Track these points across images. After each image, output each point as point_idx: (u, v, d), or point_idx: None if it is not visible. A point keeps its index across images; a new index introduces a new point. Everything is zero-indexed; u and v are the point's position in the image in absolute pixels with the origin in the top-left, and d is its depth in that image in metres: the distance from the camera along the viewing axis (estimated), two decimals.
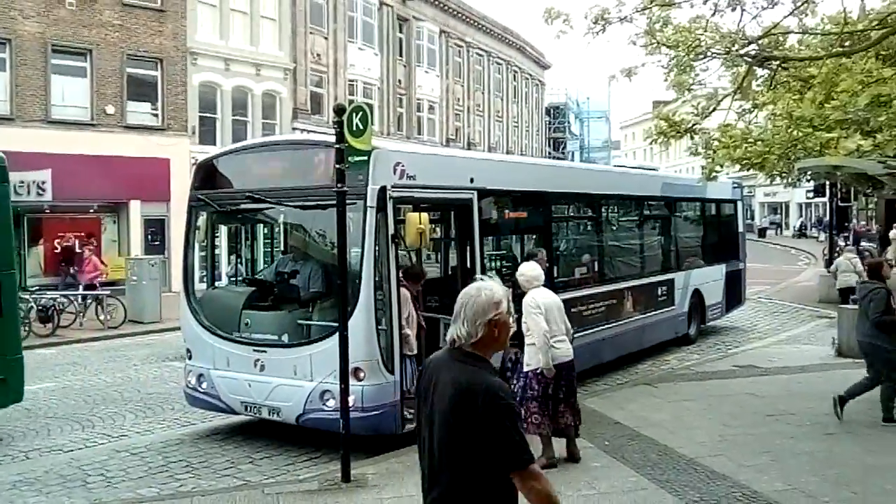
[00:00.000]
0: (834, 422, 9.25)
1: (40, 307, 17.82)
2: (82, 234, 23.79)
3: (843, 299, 20.17)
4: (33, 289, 19.82)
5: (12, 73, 22.95)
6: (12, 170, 21.24)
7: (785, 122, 7.69)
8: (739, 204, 18.47)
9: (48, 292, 19.19)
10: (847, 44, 9.16)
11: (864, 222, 49.31)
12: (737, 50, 9.36)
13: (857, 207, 46.47)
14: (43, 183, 21.87)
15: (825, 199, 29.95)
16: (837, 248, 23.76)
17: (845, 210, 39.73)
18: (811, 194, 41.43)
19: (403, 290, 8.30)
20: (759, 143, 8.75)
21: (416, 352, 8.41)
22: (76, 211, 24.47)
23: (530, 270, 7.85)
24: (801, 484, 7.09)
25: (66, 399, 11.59)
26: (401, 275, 8.34)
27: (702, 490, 6.96)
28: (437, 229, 11.01)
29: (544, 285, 7.98)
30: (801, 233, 57.08)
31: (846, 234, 34.30)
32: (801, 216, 60.40)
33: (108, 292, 19.54)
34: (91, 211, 24.96)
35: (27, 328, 17.03)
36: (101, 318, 18.72)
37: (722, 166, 9.80)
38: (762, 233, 58.54)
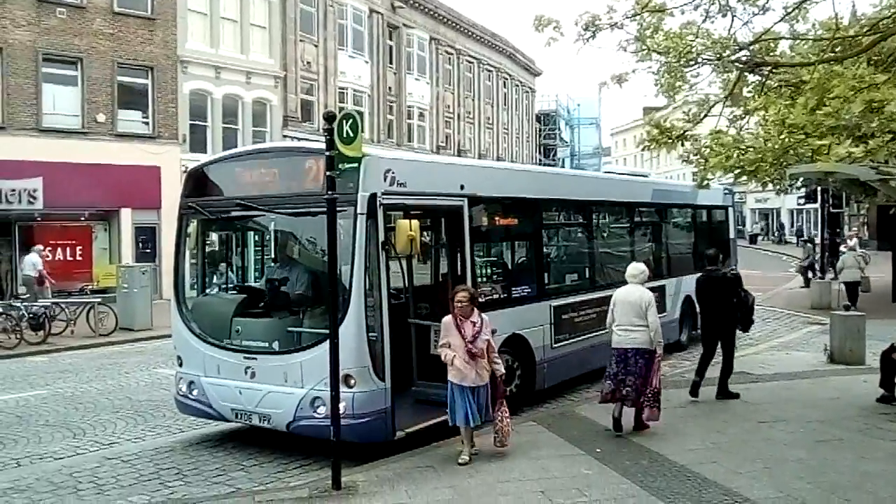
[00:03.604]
0: (827, 428, 9.24)
1: (31, 315, 17.74)
2: (73, 241, 23.78)
3: (849, 293, 20.35)
4: (24, 297, 19.72)
5: (3, 81, 22.95)
6: (4, 178, 21.28)
7: (777, 129, 7.70)
8: (730, 210, 18.52)
9: (39, 300, 19.09)
10: (838, 49, 9.20)
11: (855, 228, 49.53)
12: (728, 56, 9.39)
13: (849, 214, 46.71)
14: (34, 191, 21.89)
15: (816, 206, 30.10)
16: (844, 247, 23.83)
17: (837, 216, 39.95)
18: (802, 200, 41.63)
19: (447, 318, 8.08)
20: (752, 150, 8.77)
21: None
22: (67, 219, 24.46)
23: (630, 269, 9.40)
24: (794, 491, 7.07)
25: (57, 406, 11.54)
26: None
27: (693, 497, 6.94)
28: (428, 236, 11.01)
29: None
30: (780, 239, 57.71)
31: (840, 240, 34.42)
32: (794, 222, 60.68)
33: (99, 300, 19.53)
34: (82, 219, 24.93)
35: (18, 336, 17.01)
36: (93, 325, 18.64)
37: (714, 174, 9.81)
38: (753, 239, 58.80)
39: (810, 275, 27.87)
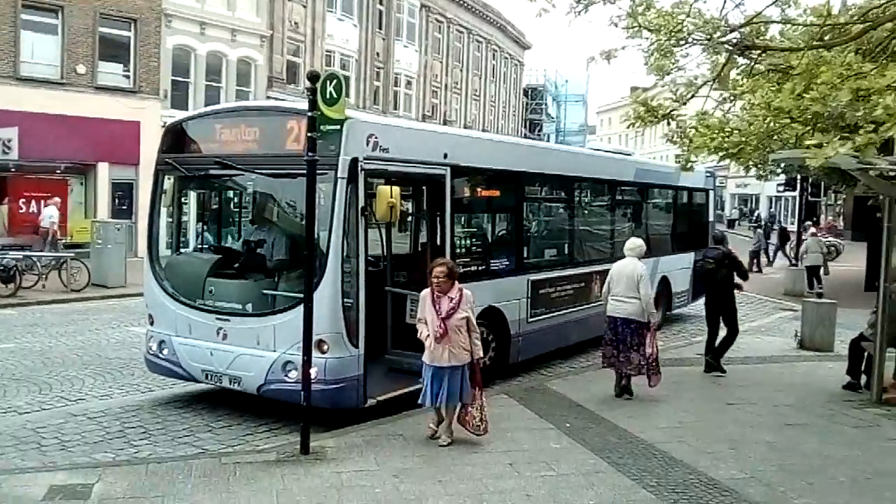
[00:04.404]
0: (793, 413, 9.37)
1: (2, 267, 17.46)
2: (48, 194, 23.38)
3: (809, 276, 20.83)
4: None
5: None
6: None
7: (763, 112, 7.65)
8: (711, 193, 18.55)
9: (11, 252, 18.80)
10: (828, 37, 9.15)
11: (831, 217, 50.07)
12: (718, 37, 9.31)
13: (826, 203, 47.15)
14: (9, 141, 21.40)
15: (795, 193, 30.34)
16: (808, 234, 24.22)
17: (814, 205, 40.35)
18: (781, 188, 41.92)
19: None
20: (736, 132, 8.72)
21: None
22: (43, 171, 23.96)
23: (628, 243, 10.11)
24: (759, 473, 7.15)
25: (24, 360, 11.40)
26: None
27: (659, 475, 6.99)
28: (409, 204, 10.92)
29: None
30: (731, 224, 58.15)
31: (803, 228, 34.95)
32: (771, 208, 61.03)
33: (72, 255, 19.24)
34: (58, 172, 24.47)
35: None
36: (65, 280, 18.40)
37: (697, 155, 9.78)
38: (731, 224, 59.15)
39: (758, 259, 28.32)
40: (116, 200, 25.60)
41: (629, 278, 9.54)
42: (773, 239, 33.35)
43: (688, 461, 7.39)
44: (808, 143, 7.06)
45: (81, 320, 15.13)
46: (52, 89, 23.51)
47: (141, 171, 24.27)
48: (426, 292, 7.61)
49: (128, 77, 25.81)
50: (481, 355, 7.77)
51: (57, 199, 21.55)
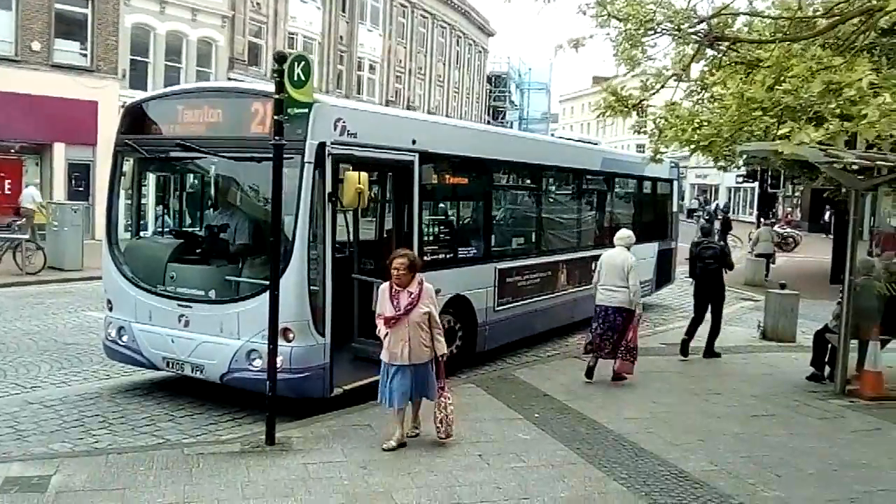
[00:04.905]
0: (759, 404, 9.44)
1: None
2: (2, 174, 22.80)
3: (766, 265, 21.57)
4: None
5: None
6: None
7: (736, 102, 7.63)
8: (675, 184, 18.69)
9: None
10: (796, 30, 9.17)
11: (790, 209, 50.94)
12: (687, 27, 9.28)
13: (783, 195, 47.94)
14: None
15: (754, 184, 30.81)
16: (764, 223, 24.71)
17: (772, 196, 41.01)
18: (741, 179, 42.52)
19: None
20: (706, 124, 8.72)
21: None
22: None
23: (618, 234, 10.52)
24: (728, 465, 7.15)
25: None
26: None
27: (629, 467, 6.97)
28: (376, 190, 10.77)
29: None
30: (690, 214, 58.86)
31: (773, 221, 35.55)
32: (730, 199, 61.81)
33: (27, 236, 18.69)
34: (12, 151, 23.87)
35: None
36: (19, 263, 17.89)
37: (668, 147, 9.78)
38: (690, 213, 59.85)
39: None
40: (73, 181, 25.04)
41: (619, 268, 9.84)
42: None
43: (657, 452, 7.38)
44: (781, 131, 7.06)
45: (37, 304, 14.73)
46: (6, 66, 22.90)
47: (98, 151, 23.77)
48: (385, 286, 7.17)
49: (85, 55, 25.19)
50: (444, 352, 7.21)
51: (35, 181, 21.70)
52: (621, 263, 9.86)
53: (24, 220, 20.20)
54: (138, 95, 11.02)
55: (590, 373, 9.99)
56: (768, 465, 7.22)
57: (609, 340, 9.90)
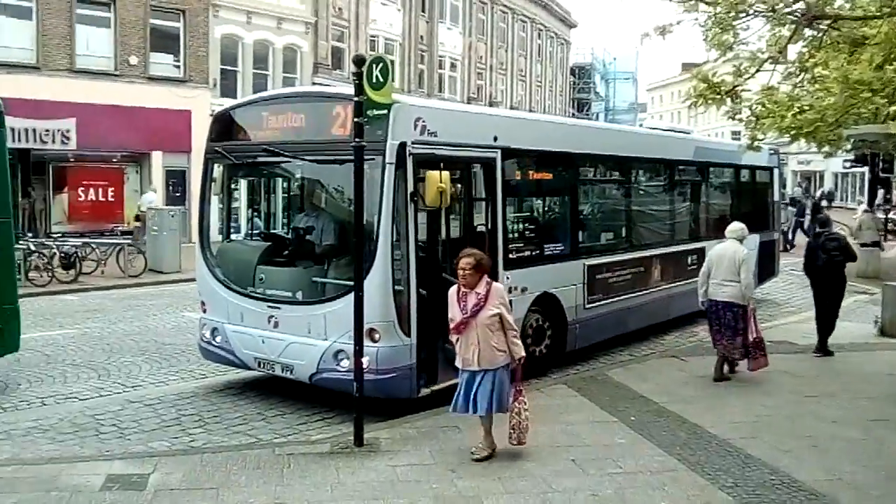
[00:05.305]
0: (879, 407, 8.64)
1: (63, 254, 17.86)
2: (106, 182, 24.04)
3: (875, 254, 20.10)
4: (56, 235, 19.90)
5: (38, 22, 22.95)
6: (39, 118, 21.70)
7: (841, 86, 7.13)
8: (776, 172, 17.81)
9: (70, 239, 19.24)
10: None
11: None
12: (782, 8, 8.81)
13: (894, 179, 45.35)
14: (67, 132, 22.14)
15: (864, 170, 29.11)
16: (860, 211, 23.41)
17: (886, 181, 38.80)
18: (849, 164, 40.28)
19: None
20: (811, 109, 8.19)
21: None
22: (100, 160, 24.58)
23: (730, 226, 10.14)
24: (846, 474, 6.57)
25: (84, 346, 11.58)
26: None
27: (736, 475, 6.48)
28: (459, 188, 10.70)
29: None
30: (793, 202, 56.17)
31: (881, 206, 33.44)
32: (838, 186, 58.66)
33: (128, 241, 19.62)
34: (114, 161, 25.07)
35: (50, 274, 17.18)
36: (122, 266, 18.73)
37: (766, 134, 9.26)
38: (793, 202, 57.31)
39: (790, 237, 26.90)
40: (170, 187, 26.06)
41: (731, 261, 9.52)
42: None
43: (766, 459, 6.84)
44: (893, 110, 6.58)
45: (138, 306, 15.35)
46: (107, 80, 23.99)
47: (193, 158, 24.62)
48: (453, 289, 6.83)
49: (178, 67, 26.15)
50: (522, 355, 6.79)
51: (155, 186, 23.25)
52: (732, 256, 9.53)
53: (141, 223, 21.33)
54: (228, 103, 11.31)
55: (727, 375, 9.77)
56: (893, 477, 6.58)
57: (731, 342, 9.59)
